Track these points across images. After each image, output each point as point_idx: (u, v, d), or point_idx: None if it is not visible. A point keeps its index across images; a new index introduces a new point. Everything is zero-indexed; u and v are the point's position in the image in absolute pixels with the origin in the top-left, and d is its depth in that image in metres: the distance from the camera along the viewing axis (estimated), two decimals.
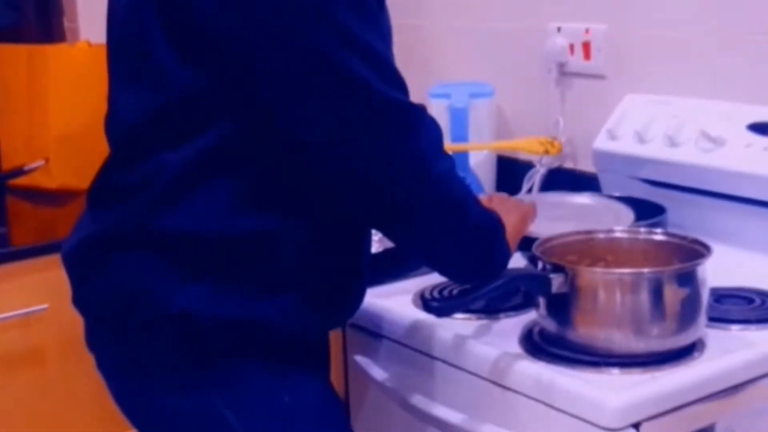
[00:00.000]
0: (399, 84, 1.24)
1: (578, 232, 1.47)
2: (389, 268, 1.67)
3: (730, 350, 1.36)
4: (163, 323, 1.27)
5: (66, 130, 2.24)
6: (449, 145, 1.96)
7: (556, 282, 1.33)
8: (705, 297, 1.34)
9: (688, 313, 1.32)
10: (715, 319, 1.44)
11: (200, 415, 1.32)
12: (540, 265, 1.37)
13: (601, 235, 1.46)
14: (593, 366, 1.31)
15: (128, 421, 1.40)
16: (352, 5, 1.19)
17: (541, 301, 1.37)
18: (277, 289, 1.28)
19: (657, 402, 1.26)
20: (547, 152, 2.01)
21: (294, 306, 1.29)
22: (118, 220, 1.31)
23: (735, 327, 1.43)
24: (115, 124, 1.37)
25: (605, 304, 1.32)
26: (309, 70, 1.18)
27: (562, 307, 1.34)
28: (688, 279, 1.32)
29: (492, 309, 1.51)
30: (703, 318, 1.34)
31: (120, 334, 1.33)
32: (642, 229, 1.50)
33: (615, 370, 1.31)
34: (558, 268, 1.34)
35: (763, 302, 1.50)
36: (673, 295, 1.31)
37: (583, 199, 1.80)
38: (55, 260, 1.88)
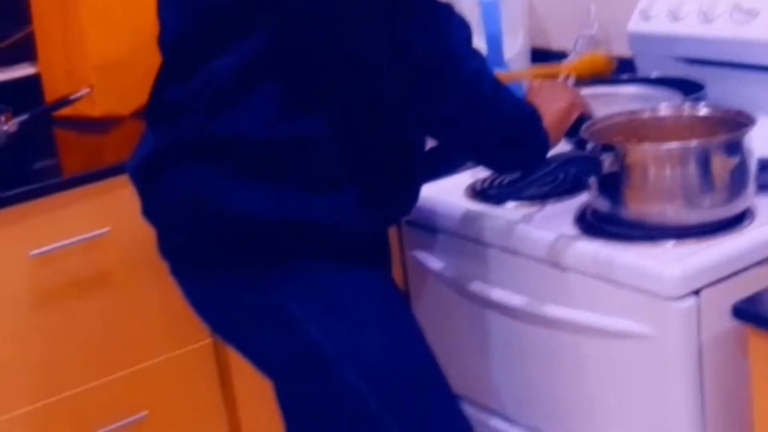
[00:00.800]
0: None
1: (623, 113, 1.50)
2: (439, 164, 1.71)
3: None
4: (225, 226, 1.33)
5: (105, 59, 2.27)
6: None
7: (607, 162, 1.37)
8: (753, 166, 1.38)
9: (737, 182, 1.36)
10: (763, 187, 1.48)
11: (269, 310, 1.40)
12: (589, 146, 1.41)
13: (646, 114, 1.50)
14: (648, 240, 1.36)
15: (204, 322, 1.47)
16: None
17: (593, 182, 1.41)
18: (331, 188, 1.33)
19: (714, 268, 1.31)
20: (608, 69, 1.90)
21: (348, 204, 1.34)
22: (175, 134, 1.37)
23: None
24: (163, 38, 1.41)
25: (656, 178, 1.36)
26: None
27: (613, 186, 1.38)
28: (734, 149, 1.36)
29: (542, 195, 1.55)
30: (752, 186, 1.38)
31: (189, 238, 1.39)
32: (685, 105, 1.53)
33: (670, 242, 1.35)
34: (607, 148, 1.38)
35: None
36: (721, 165, 1.35)
37: (628, 89, 1.82)
38: (109, 185, 1.94)
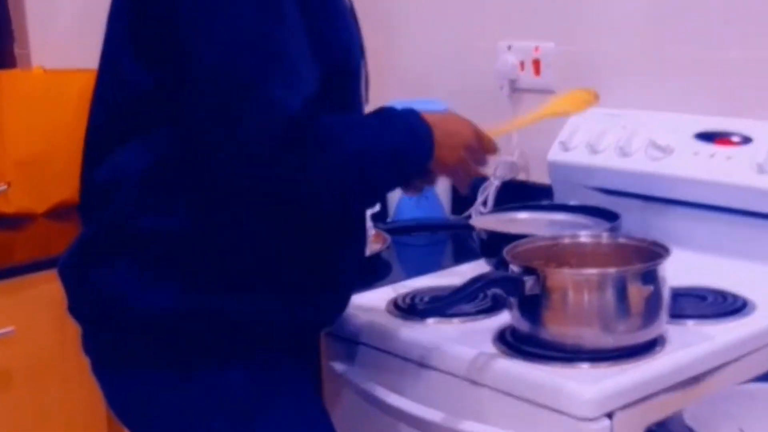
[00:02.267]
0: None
1: (544, 238, 1.55)
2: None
3: (690, 343, 1.45)
4: (140, 325, 1.33)
5: (23, 156, 2.27)
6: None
7: (528, 284, 1.41)
8: (666, 294, 1.43)
9: (651, 310, 1.41)
10: (673, 316, 1.53)
11: (181, 412, 1.37)
12: (511, 269, 1.45)
13: (566, 240, 1.55)
14: (565, 361, 1.39)
15: (120, 422, 1.45)
16: None
17: (513, 302, 1.44)
18: (238, 284, 1.33)
19: (628, 392, 1.35)
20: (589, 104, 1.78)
21: (261, 302, 1.34)
22: (93, 227, 1.39)
23: (691, 322, 1.53)
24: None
25: (574, 303, 1.40)
26: None
27: (533, 307, 1.41)
28: (650, 277, 1.41)
29: (463, 313, 1.58)
30: (665, 314, 1.43)
31: (107, 336, 1.39)
32: (604, 234, 1.58)
33: (585, 365, 1.39)
34: (529, 271, 1.42)
35: (716, 299, 1.60)
36: (637, 292, 1.40)
37: (548, 215, 1.89)
38: (17, 283, 1.92)
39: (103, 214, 1.36)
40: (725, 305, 1.58)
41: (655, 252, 1.46)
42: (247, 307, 1.34)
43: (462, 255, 1.95)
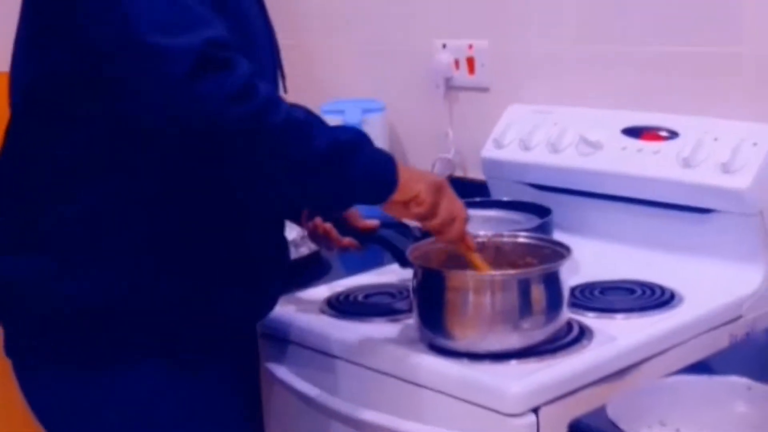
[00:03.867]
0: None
1: None
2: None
3: (616, 337, 1.48)
4: (52, 320, 1.33)
5: None
6: None
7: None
8: (566, 293, 1.45)
9: (553, 307, 1.42)
10: (602, 310, 1.56)
11: (92, 416, 1.37)
12: (414, 270, 1.46)
13: None
14: (492, 358, 1.41)
15: (39, 423, 1.44)
16: None
17: (414, 312, 1.47)
18: (156, 277, 1.32)
19: (553, 387, 1.37)
20: None
21: (176, 296, 1.33)
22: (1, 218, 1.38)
23: (619, 316, 1.55)
24: None
25: (478, 305, 1.40)
26: None
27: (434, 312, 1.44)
28: (552, 278, 1.42)
29: (395, 311, 1.60)
30: (565, 311, 1.45)
31: (21, 334, 1.39)
32: (505, 233, 1.60)
33: (513, 361, 1.41)
34: (432, 273, 1.44)
35: (644, 292, 1.63)
36: (538, 292, 1.41)
37: (482, 212, 1.90)
38: None
39: (11, 203, 1.36)
40: (653, 298, 1.60)
41: (557, 252, 1.48)
42: (161, 302, 1.33)
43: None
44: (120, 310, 1.32)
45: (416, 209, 1.35)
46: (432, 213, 1.37)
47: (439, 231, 1.40)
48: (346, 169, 1.28)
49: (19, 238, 1.35)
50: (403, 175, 1.33)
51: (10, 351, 1.42)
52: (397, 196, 1.33)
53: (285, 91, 1.50)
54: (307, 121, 1.27)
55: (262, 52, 1.39)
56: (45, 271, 1.32)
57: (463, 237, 1.42)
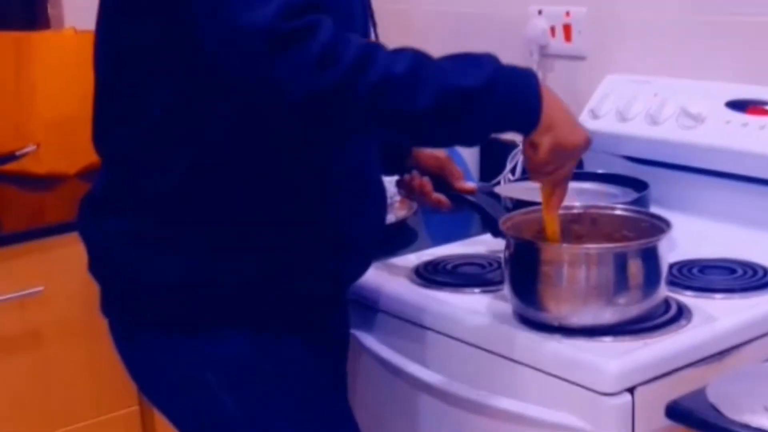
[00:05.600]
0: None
1: (540, 209, 1.50)
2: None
3: (715, 318, 1.42)
4: (144, 289, 1.34)
5: (55, 116, 2.27)
6: None
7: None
8: (665, 268, 1.40)
9: (650, 283, 1.37)
10: (701, 289, 1.51)
11: (187, 378, 1.37)
12: (507, 241, 1.42)
13: (564, 211, 1.48)
14: (587, 334, 1.37)
15: (134, 382, 1.45)
16: None
17: (506, 284, 1.43)
18: (230, 251, 1.31)
19: (650, 367, 1.32)
20: None
21: (250, 269, 1.32)
22: (96, 186, 1.39)
23: (719, 296, 1.50)
24: None
25: (572, 279, 1.36)
26: None
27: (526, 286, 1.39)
28: (649, 253, 1.37)
29: (486, 282, 1.57)
30: (663, 288, 1.40)
31: (115, 298, 1.40)
32: (603, 204, 1.55)
33: (608, 338, 1.36)
34: (525, 244, 1.40)
35: (745, 272, 1.56)
36: (635, 267, 1.36)
37: (577, 184, 1.85)
38: (47, 243, 1.93)
39: (105, 172, 1.37)
40: (754, 279, 1.54)
41: (656, 226, 1.43)
42: (246, 275, 1.32)
43: None
44: (209, 283, 1.32)
45: (530, 154, 1.29)
46: (540, 167, 1.30)
47: (539, 175, 1.33)
48: (465, 120, 1.20)
49: (121, 201, 1.34)
50: (544, 118, 1.24)
51: (106, 311, 1.43)
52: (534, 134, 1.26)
53: (377, 39, 1.46)
54: (411, 71, 1.18)
55: (351, 4, 1.34)
56: (142, 238, 1.32)
57: (556, 187, 1.35)
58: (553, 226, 1.40)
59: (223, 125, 1.27)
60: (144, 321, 1.37)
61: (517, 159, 2.17)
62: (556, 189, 1.36)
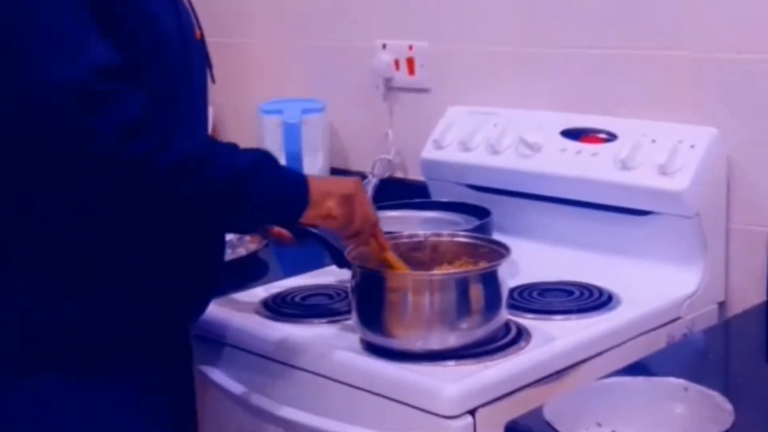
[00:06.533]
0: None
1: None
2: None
3: (554, 338, 1.47)
4: None
5: None
6: None
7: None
8: (505, 293, 1.44)
9: (491, 308, 1.41)
10: (540, 311, 1.55)
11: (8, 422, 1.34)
12: (353, 271, 1.45)
13: (405, 240, 1.54)
14: (431, 359, 1.39)
15: None
16: None
17: (353, 312, 1.45)
18: (64, 289, 1.29)
19: (490, 389, 1.36)
20: None
21: (84, 309, 1.30)
22: None
23: (558, 317, 1.55)
24: None
25: (416, 305, 1.39)
26: None
27: (374, 311, 1.42)
28: (491, 278, 1.42)
29: (334, 312, 1.58)
30: (503, 312, 1.44)
31: None
32: (445, 232, 1.59)
33: (451, 362, 1.39)
34: (371, 273, 1.43)
35: (582, 293, 1.62)
36: (476, 292, 1.40)
37: (421, 213, 1.89)
38: None
39: None
40: (591, 300, 1.60)
41: (496, 251, 1.48)
42: (68, 313, 1.29)
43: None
44: (33, 325, 1.29)
45: (331, 224, 1.37)
46: (346, 225, 1.38)
47: (354, 237, 1.42)
48: (249, 197, 1.28)
49: None
50: (313, 192, 1.34)
51: None
52: (310, 213, 1.34)
53: (213, 80, 1.47)
54: (203, 155, 1.25)
55: (176, 52, 1.35)
56: None
57: (375, 235, 1.43)
58: (393, 260, 1.45)
59: (50, 180, 1.27)
60: None
61: (367, 189, 2.20)
62: (375, 237, 1.43)
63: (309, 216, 1.34)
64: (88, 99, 1.16)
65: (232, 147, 1.32)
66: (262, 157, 1.31)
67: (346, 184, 1.39)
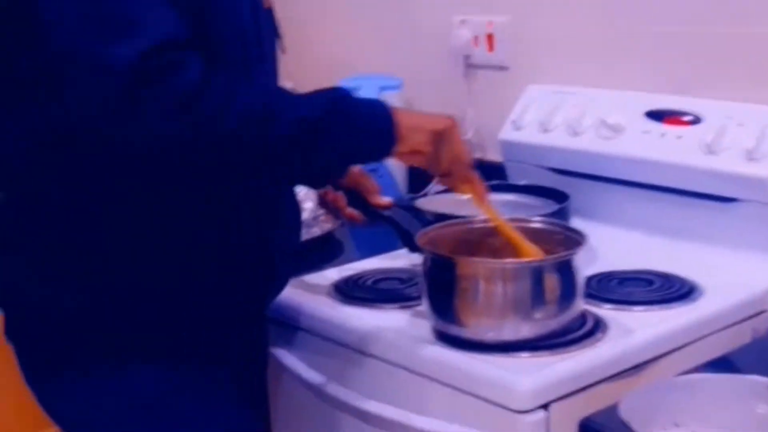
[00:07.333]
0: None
1: (458, 221, 1.51)
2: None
3: (632, 331, 1.42)
4: (39, 323, 1.30)
5: None
6: None
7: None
8: (581, 282, 1.39)
9: (565, 298, 1.37)
10: (618, 302, 1.51)
11: (98, 415, 1.33)
12: (424, 257, 1.41)
13: (480, 224, 1.49)
14: (504, 350, 1.36)
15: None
16: None
17: (423, 299, 1.42)
18: (141, 282, 1.27)
19: (564, 383, 1.32)
20: None
21: (160, 299, 1.28)
22: None
23: (637, 308, 1.50)
24: None
25: (488, 294, 1.35)
26: None
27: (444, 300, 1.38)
28: (565, 267, 1.37)
29: (406, 297, 1.55)
30: (580, 302, 1.40)
31: (12, 331, 1.35)
32: (520, 217, 1.54)
33: (524, 354, 1.36)
34: (441, 259, 1.39)
35: (663, 283, 1.57)
36: (551, 282, 1.35)
37: (498, 196, 1.85)
38: None
39: None
40: (672, 290, 1.55)
41: (572, 238, 1.43)
42: (144, 304, 1.28)
43: None
44: (107, 313, 1.27)
45: (417, 160, 1.31)
46: (433, 163, 1.32)
47: (445, 175, 1.36)
48: (326, 143, 1.21)
49: (15, 236, 1.30)
50: (401, 126, 1.26)
51: (10, 337, 1.38)
52: (397, 149, 1.27)
53: (283, 51, 1.44)
54: (266, 108, 1.17)
55: (248, 20, 1.29)
56: (38, 270, 1.28)
57: (469, 179, 1.37)
58: (491, 212, 1.42)
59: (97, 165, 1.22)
60: (50, 353, 1.32)
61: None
62: (468, 181, 1.37)
63: (396, 152, 1.28)
64: (141, 80, 1.09)
65: (300, 94, 1.25)
66: (336, 96, 1.23)
67: (438, 119, 1.31)
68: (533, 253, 1.42)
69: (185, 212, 1.28)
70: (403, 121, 1.27)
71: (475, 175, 1.38)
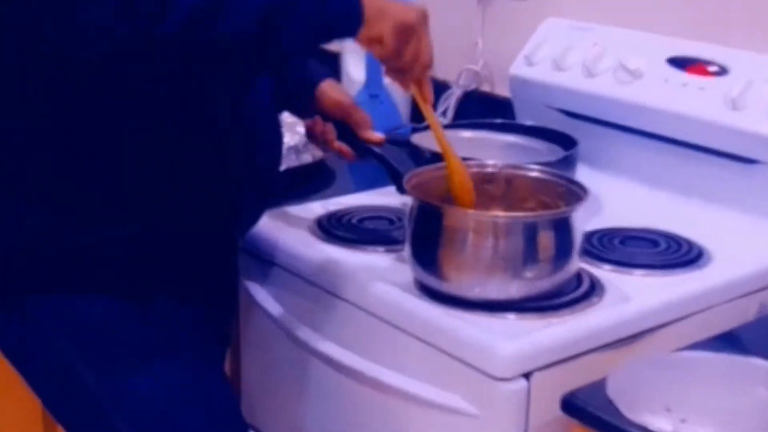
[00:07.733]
0: None
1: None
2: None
3: (630, 297, 1.31)
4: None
5: None
6: None
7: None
8: (578, 240, 1.29)
9: (561, 256, 1.26)
10: (618, 263, 1.39)
11: (42, 345, 1.27)
12: (412, 202, 1.30)
13: (474, 169, 1.38)
14: (489, 309, 1.25)
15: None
16: None
17: (406, 246, 1.31)
18: (100, 206, 1.21)
19: (551, 350, 1.21)
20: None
21: (127, 223, 1.21)
22: None
23: (638, 272, 1.38)
24: None
25: (476, 248, 1.25)
26: None
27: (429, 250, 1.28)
28: (562, 223, 1.26)
29: (392, 240, 1.44)
30: (575, 261, 1.29)
31: None
32: (515, 164, 1.43)
33: (511, 315, 1.25)
34: (428, 207, 1.28)
35: (669, 245, 1.45)
36: (546, 239, 1.25)
37: (502, 137, 1.73)
38: None
39: None
40: (678, 254, 1.43)
41: (573, 192, 1.32)
42: (101, 230, 1.20)
43: None
44: (66, 240, 1.20)
45: (377, 50, 1.20)
46: (392, 57, 1.20)
47: (398, 74, 1.25)
48: (286, 30, 1.12)
49: None
50: (368, 8, 1.16)
51: None
52: (362, 30, 1.17)
53: None
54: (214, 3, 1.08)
55: None
56: None
57: (420, 88, 1.27)
58: (431, 118, 1.31)
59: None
60: (8, 278, 1.24)
61: (449, 101, 2.04)
62: (421, 84, 1.27)
63: (359, 35, 1.17)
64: None
65: None
66: None
67: (408, 10, 1.19)
68: (460, 172, 1.32)
69: (144, 132, 1.19)
70: (371, 3, 1.16)
71: (428, 78, 1.28)
